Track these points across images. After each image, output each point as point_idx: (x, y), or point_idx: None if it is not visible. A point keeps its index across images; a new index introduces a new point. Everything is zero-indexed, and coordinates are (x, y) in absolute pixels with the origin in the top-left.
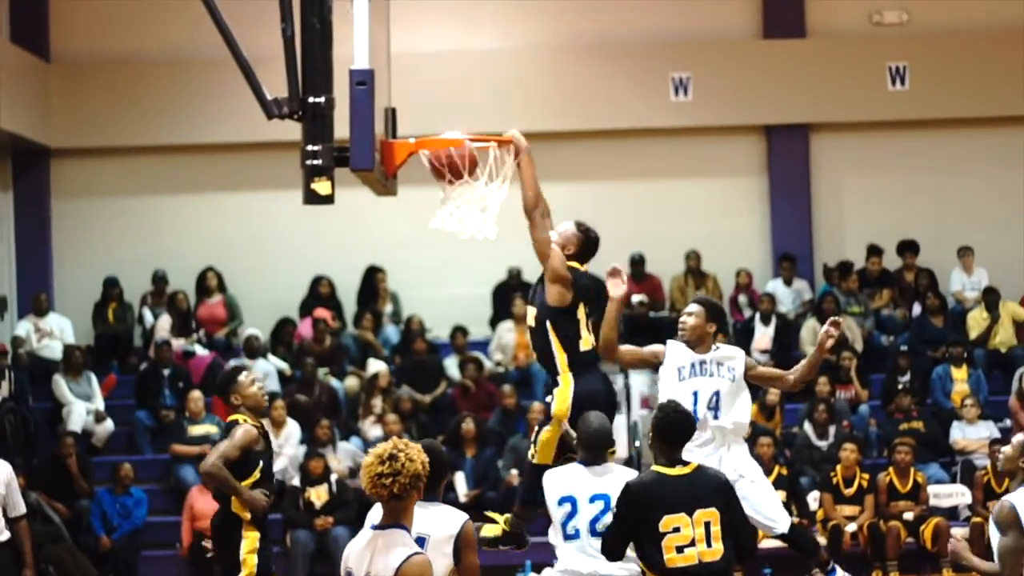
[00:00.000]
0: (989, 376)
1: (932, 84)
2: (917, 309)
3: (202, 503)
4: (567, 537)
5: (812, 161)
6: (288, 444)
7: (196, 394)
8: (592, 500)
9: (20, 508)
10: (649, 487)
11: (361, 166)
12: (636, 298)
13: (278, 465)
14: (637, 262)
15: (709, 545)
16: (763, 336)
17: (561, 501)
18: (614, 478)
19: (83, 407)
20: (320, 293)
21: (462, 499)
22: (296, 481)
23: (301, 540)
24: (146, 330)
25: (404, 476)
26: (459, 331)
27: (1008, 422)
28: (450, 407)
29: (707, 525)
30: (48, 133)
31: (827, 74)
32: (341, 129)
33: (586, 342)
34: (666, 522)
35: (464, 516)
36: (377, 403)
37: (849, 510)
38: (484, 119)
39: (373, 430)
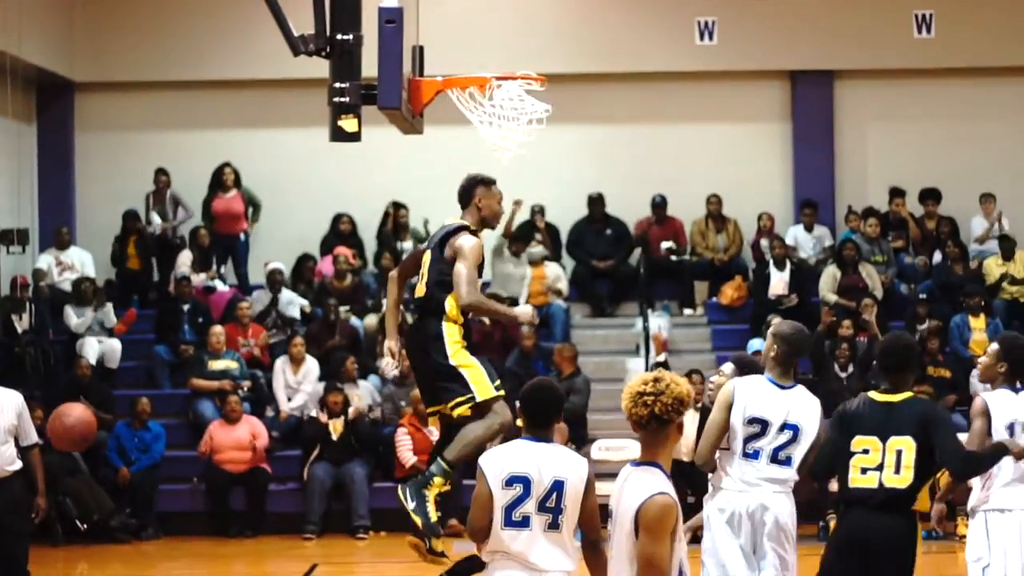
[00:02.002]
0: (1008, 326)
1: (957, 32)
2: (938, 257)
3: (221, 436)
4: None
5: (836, 108)
6: (307, 380)
7: (217, 329)
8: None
9: (32, 437)
10: (854, 408)
11: (388, 104)
12: (665, 245)
13: (297, 401)
14: (659, 205)
15: (897, 472)
16: (779, 281)
17: (512, 481)
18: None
19: (95, 340)
20: (341, 231)
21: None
22: (314, 414)
23: (319, 476)
24: (151, 231)
25: (667, 396)
26: None
27: None
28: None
29: (899, 453)
30: (73, 66)
31: (853, 20)
32: (368, 67)
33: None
34: (857, 442)
35: (584, 459)
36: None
37: None
38: (511, 59)
39: (391, 368)
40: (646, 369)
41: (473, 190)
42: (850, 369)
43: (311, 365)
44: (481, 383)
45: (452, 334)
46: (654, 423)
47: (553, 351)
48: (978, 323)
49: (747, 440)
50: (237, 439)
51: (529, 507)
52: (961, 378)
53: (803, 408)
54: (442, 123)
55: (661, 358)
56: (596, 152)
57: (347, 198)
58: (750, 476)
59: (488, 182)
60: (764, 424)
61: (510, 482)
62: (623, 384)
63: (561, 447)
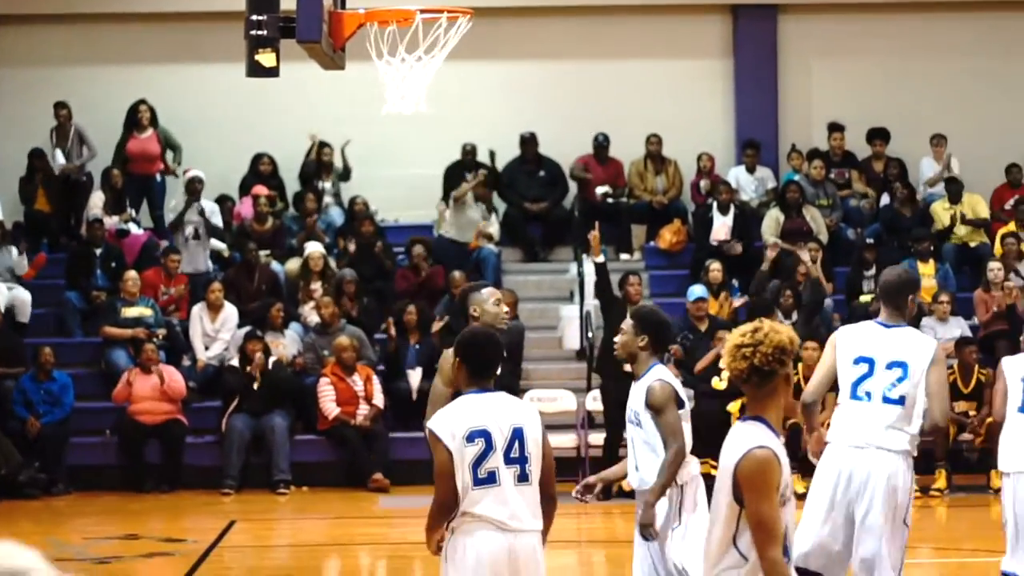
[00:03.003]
0: (958, 272)
1: None
2: (885, 199)
3: (141, 385)
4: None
5: (780, 43)
6: (225, 328)
7: (131, 274)
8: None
9: None
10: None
11: (308, 37)
12: (600, 190)
13: (215, 349)
14: (601, 145)
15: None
16: (721, 225)
17: (473, 437)
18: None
19: (4, 286)
20: (261, 171)
21: (415, 395)
22: (235, 363)
23: (237, 428)
24: (55, 170)
25: (766, 346)
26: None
27: (976, 320)
28: (396, 292)
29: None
30: None
31: None
32: None
33: None
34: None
35: (533, 405)
36: (317, 287)
37: None
38: None
39: (313, 315)
40: (580, 317)
41: (465, 302)
42: (794, 316)
43: (229, 312)
44: None
45: None
46: (756, 376)
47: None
48: (927, 269)
49: (856, 383)
50: (152, 389)
51: (495, 461)
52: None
53: (912, 346)
54: (366, 58)
55: (600, 259)
56: (529, 90)
57: (268, 137)
58: (862, 421)
59: (476, 288)
60: (870, 363)
61: (471, 438)
62: (556, 332)
63: (506, 395)
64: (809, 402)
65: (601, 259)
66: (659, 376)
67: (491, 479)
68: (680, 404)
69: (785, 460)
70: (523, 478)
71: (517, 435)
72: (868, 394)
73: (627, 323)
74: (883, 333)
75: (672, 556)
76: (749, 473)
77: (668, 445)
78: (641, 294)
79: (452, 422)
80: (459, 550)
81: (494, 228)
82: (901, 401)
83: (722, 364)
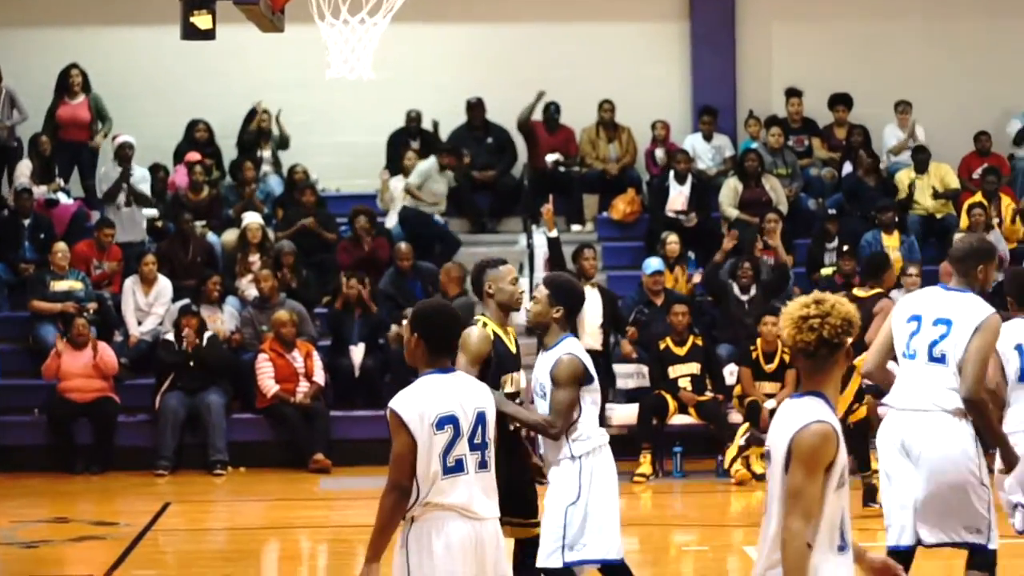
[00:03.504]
0: (923, 244)
1: None
2: (847, 168)
3: (71, 361)
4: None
5: (738, 6)
6: (159, 302)
7: (60, 246)
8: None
9: None
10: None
11: None
12: (551, 158)
13: (149, 324)
14: (551, 111)
15: None
16: (678, 195)
17: (443, 424)
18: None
19: None
20: (196, 138)
21: (357, 372)
22: (170, 337)
23: (172, 406)
24: None
25: (835, 317)
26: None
27: None
28: (338, 265)
29: None
30: None
31: None
32: None
33: None
34: None
35: (488, 388)
36: (255, 259)
37: (769, 387)
38: None
39: (251, 289)
40: (530, 290)
41: (481, 278)
42: (752, 291)
43: (164, 285)
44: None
45: None
46: (824, 349)
47: (430, 271)
48: (891, 240)
49: (907, 340)
50: (83, 366)
51: (462, 448)
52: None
53: (962, 307)
54: (307, 21)
55: (553, 233)
56: (476, 54)
57: (204, 103)
58: (913, 383)
59: (493, 264)
60: (918, 319)
61: (440, 425)
62: None
63: (464, 375)
64: (870, 370)
65: (555, 233)
66: (569, 349)
67: (459, 467)
68: (587, 380)
69: (842, 440)
70: (483, 464)
71: (480, 419)
72: (915, 352)
73: (542, 291)
74: (941, 294)
75: (573, 532)
76: (804, 446)
77: (550, 419)
78: (596, 268)
79: (421, 407)
80: (424, 540)
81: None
82: (943, 359)
83: (788, 336)
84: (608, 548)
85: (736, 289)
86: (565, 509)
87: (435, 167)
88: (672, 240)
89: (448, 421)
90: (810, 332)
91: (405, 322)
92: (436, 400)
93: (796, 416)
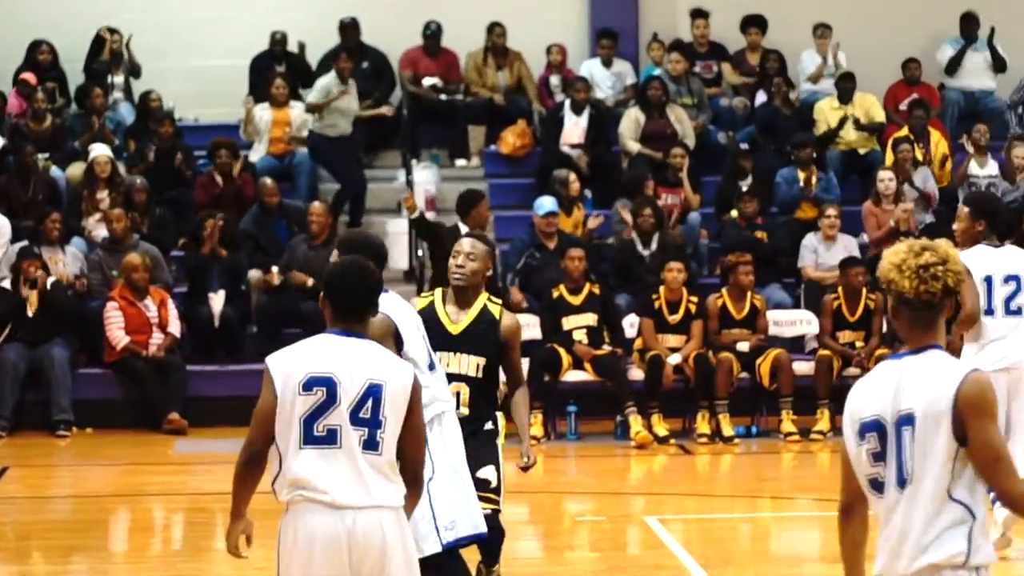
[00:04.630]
0: (845, 182)
1: None
2: (761, 98)
3: None
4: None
5: None
6: None
7: None
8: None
9: None
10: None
11: None
12: (428, 81)
13: None
14: (432, 35)
15: None
16: (574, 127)
17: (311, 385)
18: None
19: None
20: (39, 61)
21: (216, 322)
22: (7, 284)
23: (11, 360)
24: None
25: (953, 263)
26: None
27: (866, 237)
28: (196, 203)
29: None
30: None
31: None
32: None
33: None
34: None
35: (409, 364)
36: (104, 197)
37: (673, 339)
38: None
39: (100, 229)
40: (409, 231)
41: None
42: (654, 245)
43: (1, 225)
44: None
45: None
46: (947, 297)
47: (297, 209)
48: (808, 178)
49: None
50: None
51: (337, 417)
52: (785, 242)
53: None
54: None
55: (415, 215)
56: None
57: (46, 22)
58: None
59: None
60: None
61: (308, 386)
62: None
63: (380, 347)
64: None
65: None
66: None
67: (330, 438)
68: (399, 343)
69: None
70: (371, 445)
71: (372, 393)
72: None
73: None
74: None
75: (442, 510)
76: (975, 399)
77: None
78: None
79: (291, 363)
80: (289, 532)
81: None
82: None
83: (907, 287)
84: (477, 522)
85: (637, 243)
86: (427, 487)
87: (335, 81)
88: (567, 177)
89: (320, 383)
90: (935, 281)
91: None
92: (313, 359)
93: (940, 374)
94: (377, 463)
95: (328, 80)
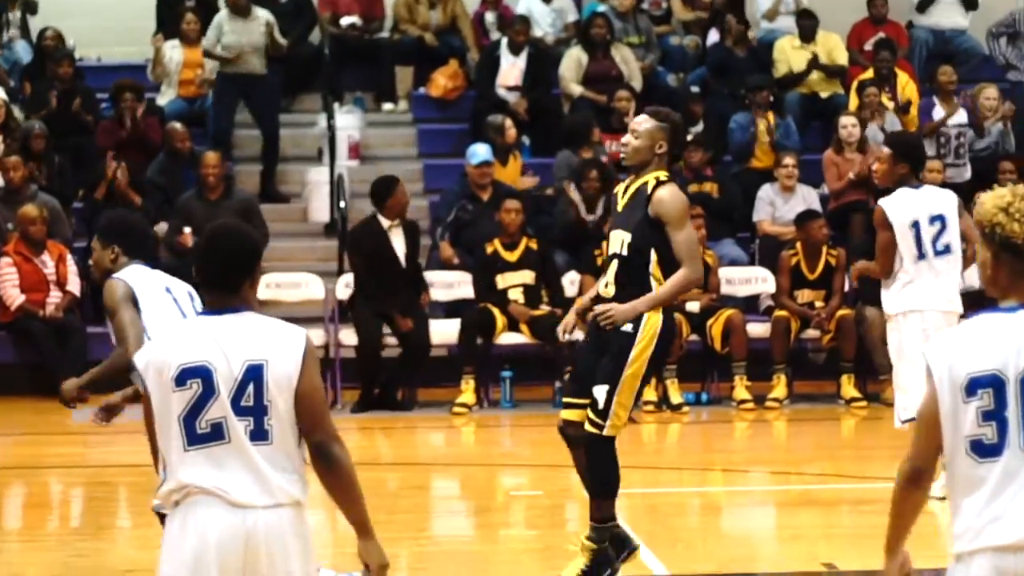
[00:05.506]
0: (805, 128)
1: None
2: (714, 37)
3: None
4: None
5: None
6: None
7: None
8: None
9: None
10: None
11: None
12: (346, 21)
13: None
14: None
15: None
16: (512, 68)
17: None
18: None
19: None
20: None
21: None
22: None
23: None
24: None
25: None
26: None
27: (826, 188)
28: (99, 149)
29: None
30: None
31: None
32: None
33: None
34: None
35: (301, 330)
36: None
37: None
38: None
39: None
40: (331, 181)
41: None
42: (599, 210)
43: None
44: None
45: None
46: None
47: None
48: (764, 124)
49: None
50: None
51: (219, 410)
52: (736, 193)
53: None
54: None
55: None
56: None
57: None
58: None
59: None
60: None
61: (182, 379)
62: (301, 200)
63: (257, 316)
64: None
65: None
66: (118, 275)
67: (217, 435)
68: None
69: None
70: (260, 435)
71: (252, 375)
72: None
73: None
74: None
75: None
76: None
77: (119, 351)
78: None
79: (160, 355)
80: (176, 532)
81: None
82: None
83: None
84: None
85: (580, 206)
86: None
87: (226, 17)
88: (503, 123)
89: (194, 375)
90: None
91: None
92: (183, 348)
93: None
94: (270, 454)
95: (221, 17)
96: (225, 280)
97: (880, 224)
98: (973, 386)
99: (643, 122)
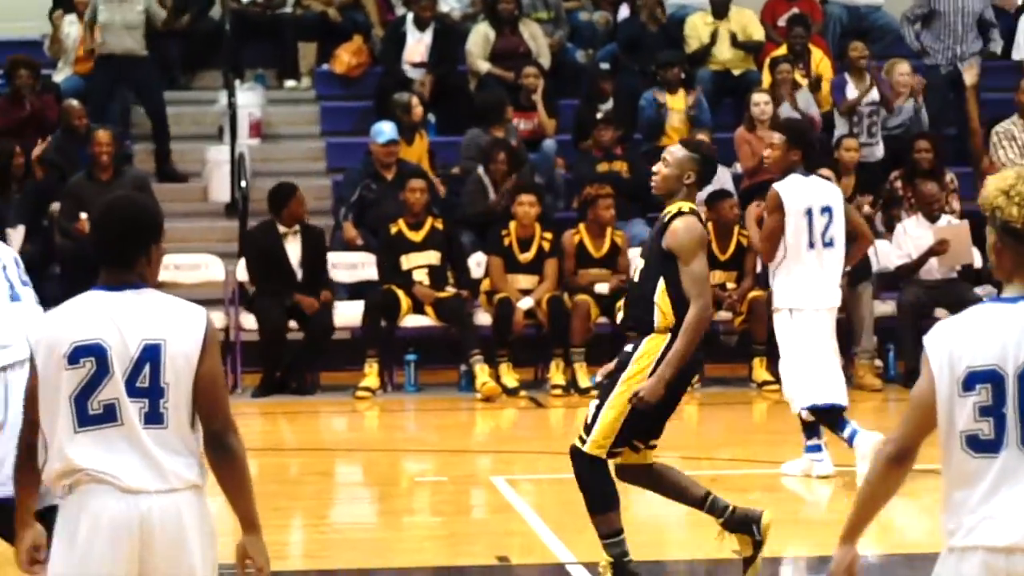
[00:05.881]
0: (717, 105)
1: None
2: (624, 12)
3: None
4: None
5: None
6: None
7: None
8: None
9: None
10: None
11: None
12: None
13: None
14: None
15: None
16: (418, 44)
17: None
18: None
19: None
20: None
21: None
22: None
23: None
24: None
25: None
26: None
27: (739, 167)
28: None
29: None
30: None
31: None
32: None
33: None
34: None
35: (202, 309)
36: None
37: (524, 280)
38: None
39: None
40: (232, 160)
41: None
42: (506, 192)
43: None
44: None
45: None
46: None
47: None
48: (676, 102)
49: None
50: None
51: (112, 390)
52: (646, 172)
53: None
54: None
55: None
56: None
57: None
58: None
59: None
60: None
61: (75, 357)
62: (201, 179)
63: (157, 293)
64: None
65: None
66: None
67: (109, 416)
68: None
69: None
70: (154, 418)
71: (149, 356)
72: None
73: None
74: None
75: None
76: None
77: None
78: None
79: (52, 332)
80: (71, 520)
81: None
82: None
83: (985, 204)
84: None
85: (487, 187)
86: None
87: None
88: (410, 101)
89: (87, 353)
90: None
91: None
92: (77, 325)
93: None
94: (164, 438)
95: None
96: (121, 254)
97: (773, 208)
98: (971, 380)
99: (676, 151)
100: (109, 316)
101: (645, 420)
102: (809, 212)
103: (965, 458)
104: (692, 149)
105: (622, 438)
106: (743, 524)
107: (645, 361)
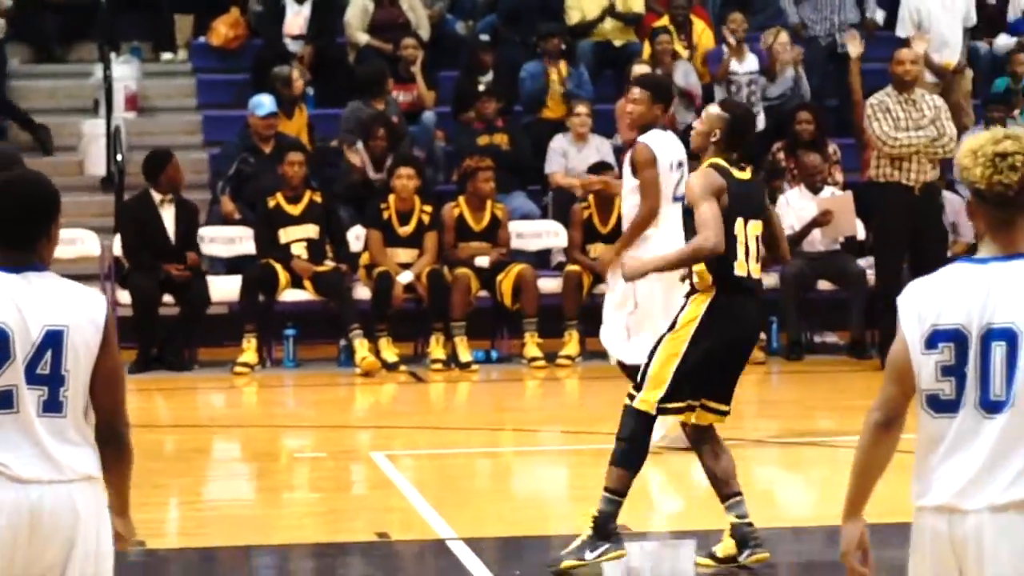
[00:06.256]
0: (598, 77)
1: None
2: None
3: None
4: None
5: None
6: None
7: None
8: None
9: None
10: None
11: None
12: None
13: None
14: None
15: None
16: (296, 16)
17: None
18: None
19: None
20: None
21: None
22: None
23: None
24: None
25: None
26: None
27: (619, 138)
28: None
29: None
30: None
31: None
32: None
33: (740, 265)
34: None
35: (101, 296)
36: None
37: (404, 254)
38: None
39: None
40: (107, 134)
41: None
42: (389, 162)
43: None
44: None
45: None
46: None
47: None
48: (556, 73)
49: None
50: None
51: (11, 376)
52: (527, 144)
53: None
54: None
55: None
56: None
57: None
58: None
59: None
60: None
61: None
62: (76, 153)
63: (58, 277)
64: None
65: None
66: None
67: (5, 404)
68: None
69: None
70: (53, 406)
71: (51, 342)
72: None
73: None
74: None
75: None
76: None
77: None
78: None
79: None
80: None
81: None
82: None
83: (980, 177)
84: None
85: (366, 161)
86: None
87: None
88: (290, 73)
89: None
90: (1011, 172)
91: None
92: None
93: None
94: (61, 427)
95: None
96: (24, 235)
97: (646, 163)
98: (935, 339)
99: (710, 109)
100: (10, 298)
101: (707, 375)
102: (671, 166)
103: (927, 418)
104: (726, 108)
105: (679, 392)
106: (742, 541)
107: (691, 315)
